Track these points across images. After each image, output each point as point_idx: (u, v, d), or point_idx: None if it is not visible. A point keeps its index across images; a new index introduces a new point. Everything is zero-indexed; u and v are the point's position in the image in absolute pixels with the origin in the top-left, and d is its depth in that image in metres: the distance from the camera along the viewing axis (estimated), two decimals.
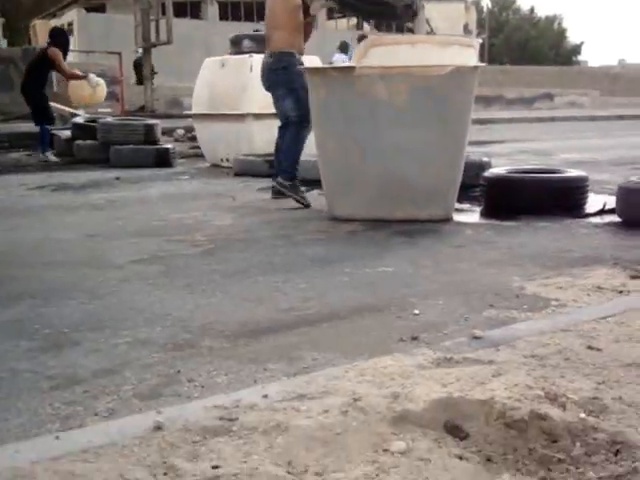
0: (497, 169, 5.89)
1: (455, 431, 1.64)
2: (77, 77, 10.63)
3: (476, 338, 2.33)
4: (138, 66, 18.26)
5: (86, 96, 10.99)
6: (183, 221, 5.35)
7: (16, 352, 2.68)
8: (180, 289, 3.48)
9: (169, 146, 9.79)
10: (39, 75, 10.12)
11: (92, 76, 10.78)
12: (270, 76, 6.04)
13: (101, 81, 10.98)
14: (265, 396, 1.87)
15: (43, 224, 5.43)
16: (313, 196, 6.28)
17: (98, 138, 9.64)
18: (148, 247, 4.44)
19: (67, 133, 10.42)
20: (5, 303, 3.33)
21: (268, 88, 6.16)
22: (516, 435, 1.60)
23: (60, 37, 10.53)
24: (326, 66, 5.25)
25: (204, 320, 3.00)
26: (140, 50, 17.06)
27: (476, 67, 5.09)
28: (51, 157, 10.01)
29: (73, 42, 26.09)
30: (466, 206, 5.69)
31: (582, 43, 57.91)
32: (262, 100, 8.50)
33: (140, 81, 18.05)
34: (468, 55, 5.25)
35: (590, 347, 2.22)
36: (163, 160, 9.17)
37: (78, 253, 4.39)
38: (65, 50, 10.35)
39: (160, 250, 4.35)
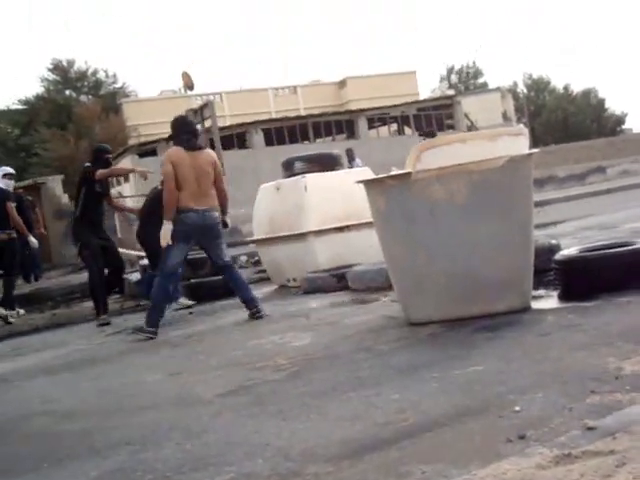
0: (568, 250, 5.81)
1: None
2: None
3: (590, 429, 2.25)
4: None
5: None
6: (262, 346, 5.37)
7: None
8: (273, 416, 3.47)
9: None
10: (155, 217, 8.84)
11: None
12: (218, 227, 6.97)
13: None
14: None
15: (127, 369, 5.52)
16: (385, 304, 6.28)
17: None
18: (233, 378, 4.45)
19: (137, 276, 10.69)
20: (104, 453, 3.35)
21: (218, 236, 6.99)
22: None
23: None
24: (383, 176, 5.33)
25: (303, 445, 2.96)
26: None
27: (530, 154, 5.12)
28: (185, 301, 8.99)
29: (129, 188, 27.16)
30: (542, 292, 5.59)
31: (626, 114, 57.64)
32: (320, 217, 8.71)
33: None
34: (519, 143, 5.29)
35: None
36: (231, 290, 9.30)
37: (166, 393, 4.42)
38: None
39: (246, 379, 4.36)
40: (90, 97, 46.06)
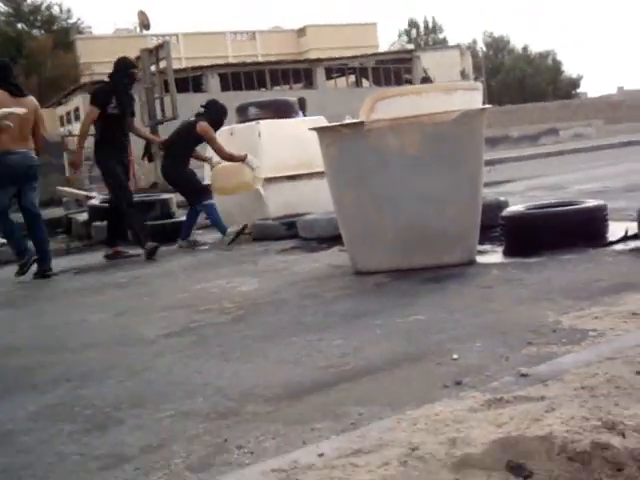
0: (515, 207, 5.90)
1: (518, 470, 1.61)
2: (236, 158, 8.21)
3: (523, 375, 2.31)
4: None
5: (247, 182, 8.31)
6: (208, 290, 5.37)
7: (60, 436, 2.68)
8: (216, 358, 3.48)
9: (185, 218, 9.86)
10: (183, 152, 8.39)
11: (250, 158, 8.25)
12: (36, 169, 7.19)
13: (258, 163, 8.37)
14: (321, 455, 1.85)
15: (70, 307, 5.47)
16: (334, 253, 6.31)
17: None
18: (177, 320, 4.45)
19: (84, 216, 10.53)
20: (43, 388, 3.34)
21: (35, 179, 7.16)
22: (580, 468, 1.58)
23: (215, 109, 8.47)
24: (336, 124, 5.30)
25: (244, 386, 2.98)
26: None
27: (483, 109, 5.15)
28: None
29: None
30: (488, 247, 5.68)
31: (580, 77, 58.25)
32: (272, 164, 8.65)
33: (150, 158, 18.26)
34: (473, 98, 5.30)
35: (639, 372, 2.19)
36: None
37: (109, 332, 4.40)
38: (219, 125, 8.46)
39: (190, 321, 4.36)
40: (43, 32, 44.82)
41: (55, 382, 3.40)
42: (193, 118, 8.38)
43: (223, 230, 8.45)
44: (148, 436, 2.56)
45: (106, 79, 8.14)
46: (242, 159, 8.15)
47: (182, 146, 8.30)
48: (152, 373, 3.36)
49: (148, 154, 9.92)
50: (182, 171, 8.36)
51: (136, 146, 19.31)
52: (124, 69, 7.93)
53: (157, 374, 3.34)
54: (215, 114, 8.37)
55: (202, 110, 8.41)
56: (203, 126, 8.16)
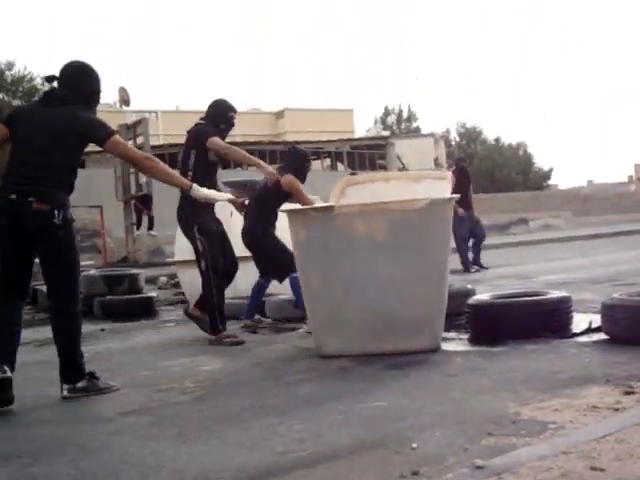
0: (481, 296, 5.95)
1: None
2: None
3: (478, 468, 2.30)
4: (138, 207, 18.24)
5: None
6: (171, 368, 5.31)
7: None
8: (173, 439, 3.42)
9: (153, 294, 9.82)
10: (270, 212, 6.92)
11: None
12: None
13: None
14: None
15: (28, 381, 5.35)
16: (300, 334, 6.29)
17: (82, 290, 9.65)
18: (137, 398, 4.38)
19: None
20: None
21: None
22: None
23: (296, 157, 7.33)
24: (305, 207, 5.38)
25: (200, 469, 2.93)
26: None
27: (451, 199, 5.25)
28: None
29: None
30: (453, 334, 5.70)
31: (551, 169, 59.59)
32: (243, 245, 8.67)
33: (139, 222, 18.10)
34: (441, 187, 5.42)
35: (593, 468, 2.19)
36: (147, 309, 9.16)
37: (66, 408, 4.32)
38: (304, 175, 7.14)
39: (149, 400, 4.29)
40: (24, 103, 45.17)
41: (6, 458, 3.31)
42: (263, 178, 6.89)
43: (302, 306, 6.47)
44: None
45: (200, 121, 6.67)
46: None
47: (266, 206, 6.91)
48: (107, 452, 3.29)
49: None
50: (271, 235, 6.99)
51: (109, 215, 19.45)
52: (223, 113, 6.63)
53: (111, 454, 3.27)
54: (297, 162, 7.18)
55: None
56: (288, 179, 6.83)
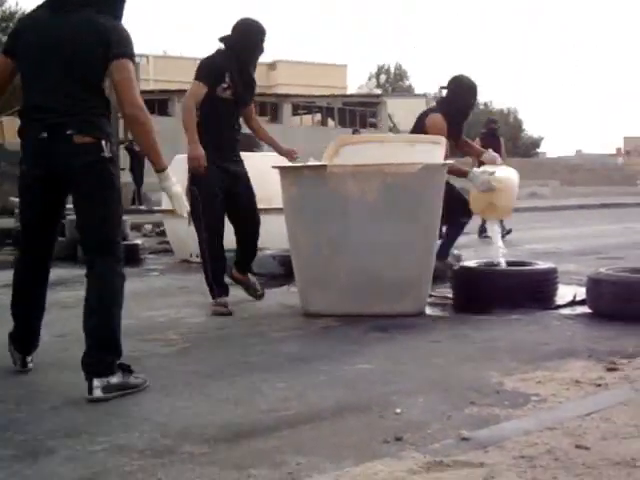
0: (467, 263, 5.96)
1: None
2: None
3: (464, 439, 2.31)
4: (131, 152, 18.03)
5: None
6: (155, 319, 5.29)
7: None
8: (156, 392, 3.42)
9: (138, 242, 9.77)
10: None
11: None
12: None
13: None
14: None
15: (10, 325, 5.33)
16: (285, 291, 6.29)
17: (66, 235, 9.58)
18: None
19: None
20: None
21: None
22: None
23: (456, 90, 6.20)
24: (299, 165, 5.32)
25: (183, 424, 2.93)
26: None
27: (444, 164, 5.21)
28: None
29: None
30: (439, 300, 5.71)
31: (541, 138, 59.53)
32: None
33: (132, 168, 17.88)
34: (436, 152, 5.37)
35: (578, 446, 2.21)
36: (132, 256, 9.10)
37: (49, 354, 4.28)
38: (461, 118, 6.25)
39: (134, 350, 4.25)
40: None
41: None
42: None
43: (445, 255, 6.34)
44: (80, 468, 2.49)
45: (220, 47, 5.54)
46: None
47: None
48: (91, 403, 3.28)
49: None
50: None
51: None
52: (252, 36, 5.47)
53: (95, 403, 3.26)
54: (454, 99, 6.10)
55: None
56: (433, 119, 6.01)
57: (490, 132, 12.19)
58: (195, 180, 5.31)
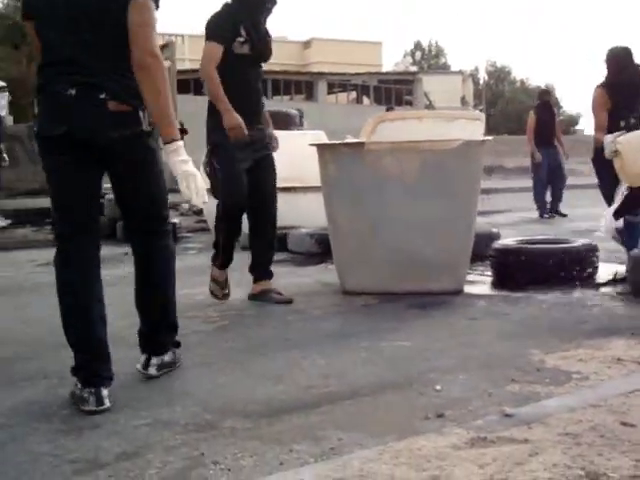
0: (506, 240, 5.91)
1: None
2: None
3: (507, 416, 2.30)
4: None
5: None
6: (194, 297, 5.33)
7: (35, 435, 2.64)
8: (198, 367, 3.46)
9: (175, 221, 9.83)
10: None
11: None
12: None
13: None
14: None
15: (53, 302, 5.41)
16: (323, 269, 6.29)
17: (105, 214, 9.69)
18: None
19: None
20: (20, 384, 3.30)
21: None
22: None
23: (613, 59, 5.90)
24: (336, 142, 5.30)
25: (224, 399, 2.96)
26: None
27: (484, 141, 5.16)
28: None
29: None
30: (477, 277, 5.68)
31: (579, 115, 58.60)
32: None
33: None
34: (475, 128, 5.33)
35: (623, 423, 2.19)
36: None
37: None
38: (624, 90, 5.84)
39: None
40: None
41: (33, 378, 3.37)
42: None
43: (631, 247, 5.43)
44: (124, 443, 2.53)
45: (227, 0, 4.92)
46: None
47: None
48: (133, 377, 3.32)
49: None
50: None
51: None
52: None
53: (137, 378, 3.30)
54: (608, 71, 5.84)
55: None
56: (593, 93, 5.88)
57: (543, 104, 12.02)
58: (215, 152, 4.87)
